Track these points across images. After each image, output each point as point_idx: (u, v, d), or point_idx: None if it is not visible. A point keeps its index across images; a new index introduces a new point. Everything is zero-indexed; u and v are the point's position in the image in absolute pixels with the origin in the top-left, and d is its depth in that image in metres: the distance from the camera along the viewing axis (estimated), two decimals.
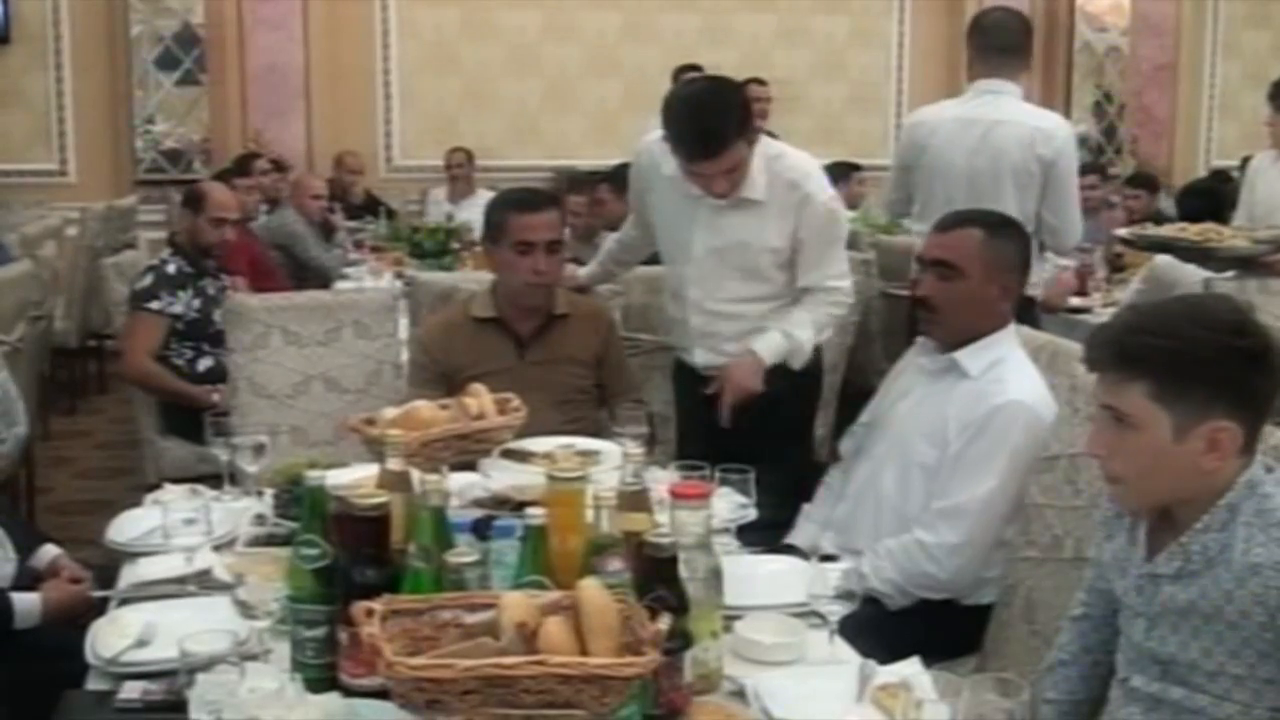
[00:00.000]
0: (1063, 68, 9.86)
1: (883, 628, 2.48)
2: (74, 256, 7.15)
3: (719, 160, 3.20)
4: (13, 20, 8.52)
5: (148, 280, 4.68)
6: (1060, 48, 9.87)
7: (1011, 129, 4.24)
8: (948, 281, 2.79)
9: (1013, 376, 2.72)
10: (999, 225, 2.93)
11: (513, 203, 3.46)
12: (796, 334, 3.36)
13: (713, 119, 3.19)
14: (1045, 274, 5.38)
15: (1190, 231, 4.82)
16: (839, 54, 9.36)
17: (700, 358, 3.51)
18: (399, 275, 5.80)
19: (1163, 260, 4.84)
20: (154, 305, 4.59)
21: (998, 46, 4.36)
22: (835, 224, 3.44)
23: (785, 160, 3.37)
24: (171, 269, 4.73)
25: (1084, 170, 8.10)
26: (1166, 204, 7.24)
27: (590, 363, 3.47)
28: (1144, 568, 1.98)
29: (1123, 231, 5.18)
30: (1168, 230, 5.03)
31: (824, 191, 3.39)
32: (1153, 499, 1.98)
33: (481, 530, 2.17)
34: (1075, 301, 5.45)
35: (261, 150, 8.07)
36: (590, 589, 1.70)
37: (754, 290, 3.41)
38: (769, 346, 3.33)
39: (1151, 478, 1.94)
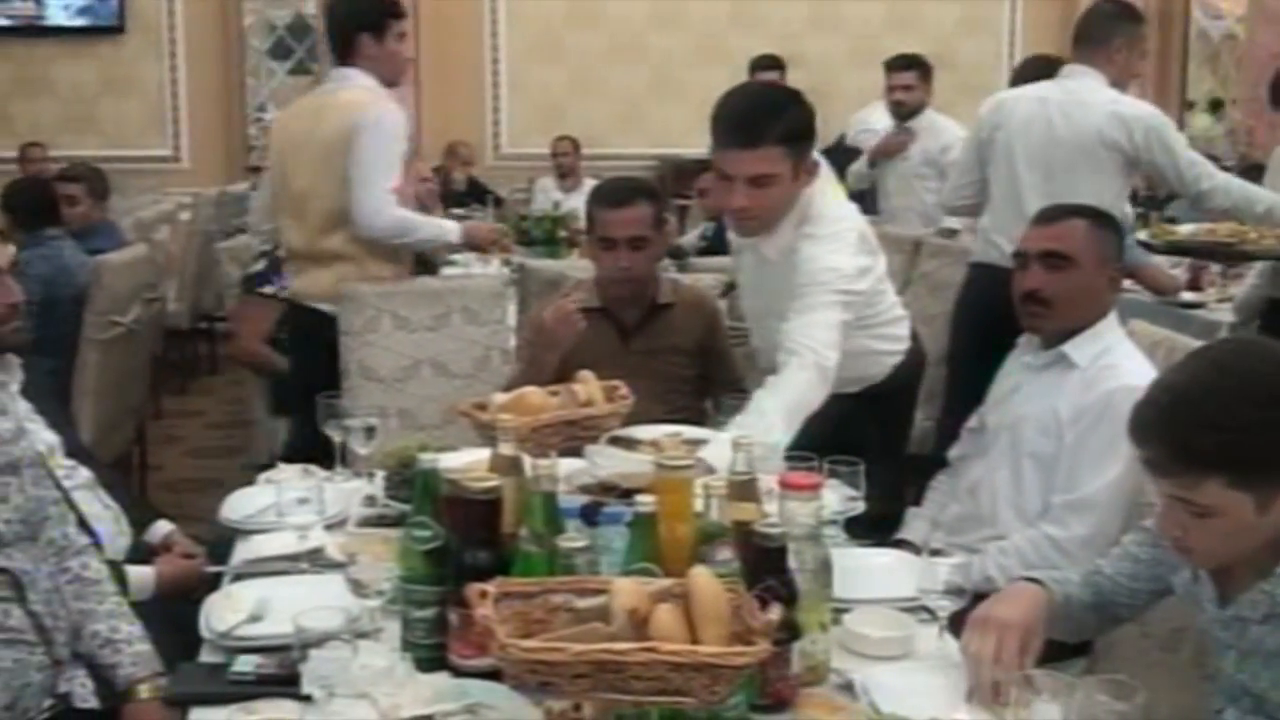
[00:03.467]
0: (1177, 57, 9.64)
1: None
2: (187, 241, 7.32)
3: (750, 154, 2.91)
4: (128, 10, 8.74)
5: (261, 264, 4.77)
6: (1175, 36, 9.65)
7: (1089, 112, 4.25)
8: (1060, 272, 2.75)
9: (1124, 362, 2.69)
10: (1099, 216, 2.89)
11: (601, 197, 3.45)
12: (760, 440, 2.50)
13: (754, 108, 2.97)
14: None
15: (1220, 232, 4.75)
16: (948, 41, 9.23)
17: None
18: (506, 262, 5.84)
19: None
20: (267, 289, 4.68)
21: (1080, 34, 4.42)
22: (824, 289, 2.93)
23: (806, 227, 3.03)
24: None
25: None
26: None
27: (694, 352, 3.46)
28: (1229, 610, 1.93)
29: (1142, 235, 5.01)
30: (1192, 230, 4.91)
31: (824, 250, 2.97)
32: (1231, 561, 1.93)
33: (590, 516, 2.17)
34: (1188, 296, 5.32)
35: None
36: (702, 577, 1.69)
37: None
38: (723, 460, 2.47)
39: (1233, 548, 1.88)
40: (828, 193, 3.10)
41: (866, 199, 5.96)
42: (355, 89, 3.96)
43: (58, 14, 8.70)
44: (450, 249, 4.43)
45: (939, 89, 6.46)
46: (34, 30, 8.70)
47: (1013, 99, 4.50)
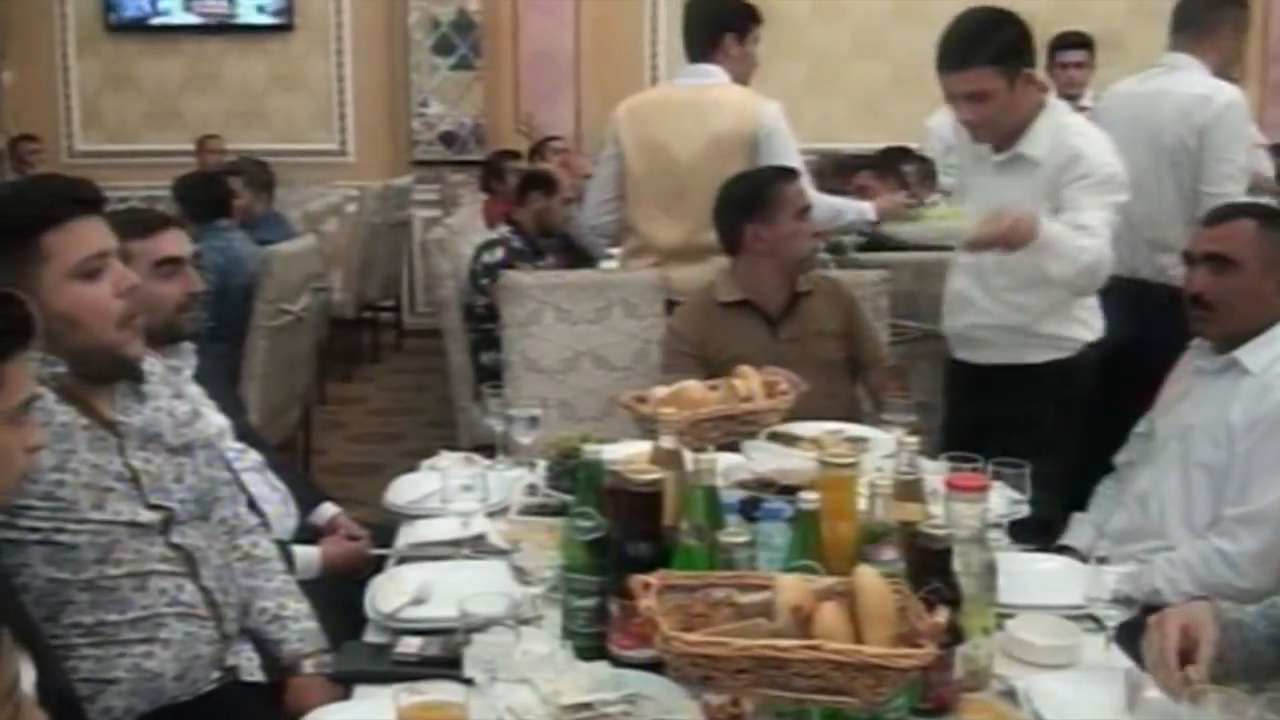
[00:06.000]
0: None
1: None
2: (352, 232, 7.48)
3: (959, 76, 3.23)
4: (296, 9, 8.97)
5: (499, 254, 4.89)
6: None
7: (1169, 100, 4.03)
8: (1222, 275, 2.66)
9: None
10: (1272, 216, 2.80)
11: (779, 176, 3.57)
12: (1080, 239, 3.12)
13: (964, 33, 3.25)
14: None
15: None
16: (1118, 33, 8.95)
17: (958, 350, 3.54)
18: None
19: None
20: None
21: (1177, 20, 4.25)
22: (1106, 186, 3.24)
23: (1074, 128, 3.33)
24: (517, 244, 4.98)
25: None
26: None
27: (839, 334, 3.52)
28: None
29: None
30: None
31: (1101, 157, 3.27)
32: None
33: (749, 511, 2.17)
34: None
35: (532, 133, 8.27)
36: (868, 576, 1.68)
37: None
38: (1050, 226, 3.12)
39: None
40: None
41: None
42: (731, 88, 4.07)
43: (250, 12, 8.99)
44: (868, 225, 4.52)
45: (1108, 76, 6.26)
46: (204, 28, 9.00)
47: (1109, 98, 4.39)
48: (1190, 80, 4.07)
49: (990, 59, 3.19)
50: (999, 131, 3.32)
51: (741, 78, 4.12)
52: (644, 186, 4.09)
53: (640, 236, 4.13)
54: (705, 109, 4.00)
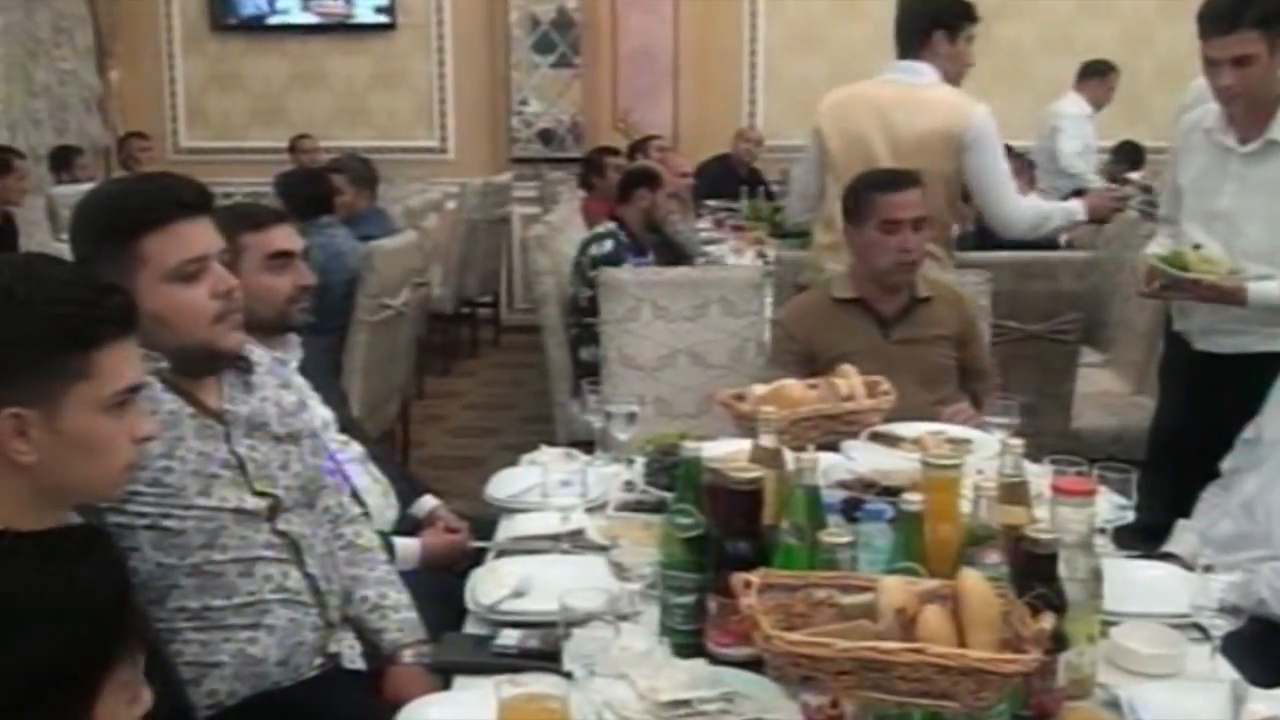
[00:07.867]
0: None
1: (1270, 648, 2.32)
2: (452, 229, 7.56)
3: (1225, 40, 3.25)
4: (398, 8, 9.09)
5: (608, 246, 4.95)
6: None
7: None
8: None
9: None
10: None
11: (876, 183, 3.44)
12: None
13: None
14: None
15: None
16: None
17: (1200, 341, 3.49)
18: (760, 254, 5.87)
19: None
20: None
21: None
22: None
23: None
24: (623, 238, 5.04)
25: None
26: None
27: (953, 340, 3.45)
28: None
29: None
30: None
31: None
32: None
33: (850, 512, 2.15)
34: None
35: (630, 130, 8.29)
36: (973, 580, 1.65)
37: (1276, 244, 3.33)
38: (1261, 287, 3.25)
39: None
40: None
41: None
42: (940, 87, 4.00)
43: (366, 12, 9.13)
44: (1078, 226, 4.49)
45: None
46: (307, 28, 9.16)
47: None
48: None
49: (1256, 22, 3.23)
50: (1255, 101, 3.32)
51: (952, 77, 4.03)
52: (847, 181, 4.01)
53: (839, 232, 4.08)
54: (912, 107, 3.93)
